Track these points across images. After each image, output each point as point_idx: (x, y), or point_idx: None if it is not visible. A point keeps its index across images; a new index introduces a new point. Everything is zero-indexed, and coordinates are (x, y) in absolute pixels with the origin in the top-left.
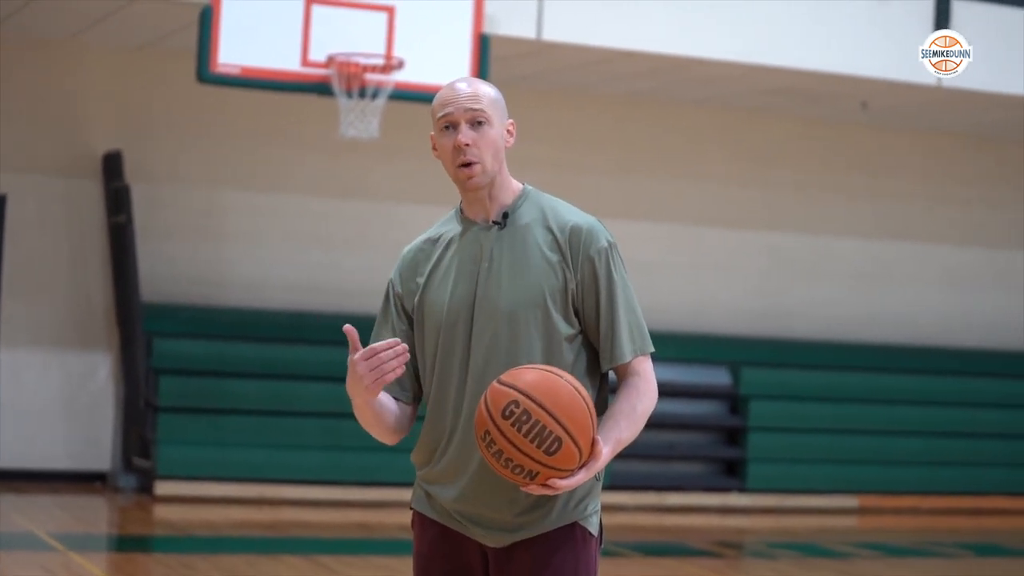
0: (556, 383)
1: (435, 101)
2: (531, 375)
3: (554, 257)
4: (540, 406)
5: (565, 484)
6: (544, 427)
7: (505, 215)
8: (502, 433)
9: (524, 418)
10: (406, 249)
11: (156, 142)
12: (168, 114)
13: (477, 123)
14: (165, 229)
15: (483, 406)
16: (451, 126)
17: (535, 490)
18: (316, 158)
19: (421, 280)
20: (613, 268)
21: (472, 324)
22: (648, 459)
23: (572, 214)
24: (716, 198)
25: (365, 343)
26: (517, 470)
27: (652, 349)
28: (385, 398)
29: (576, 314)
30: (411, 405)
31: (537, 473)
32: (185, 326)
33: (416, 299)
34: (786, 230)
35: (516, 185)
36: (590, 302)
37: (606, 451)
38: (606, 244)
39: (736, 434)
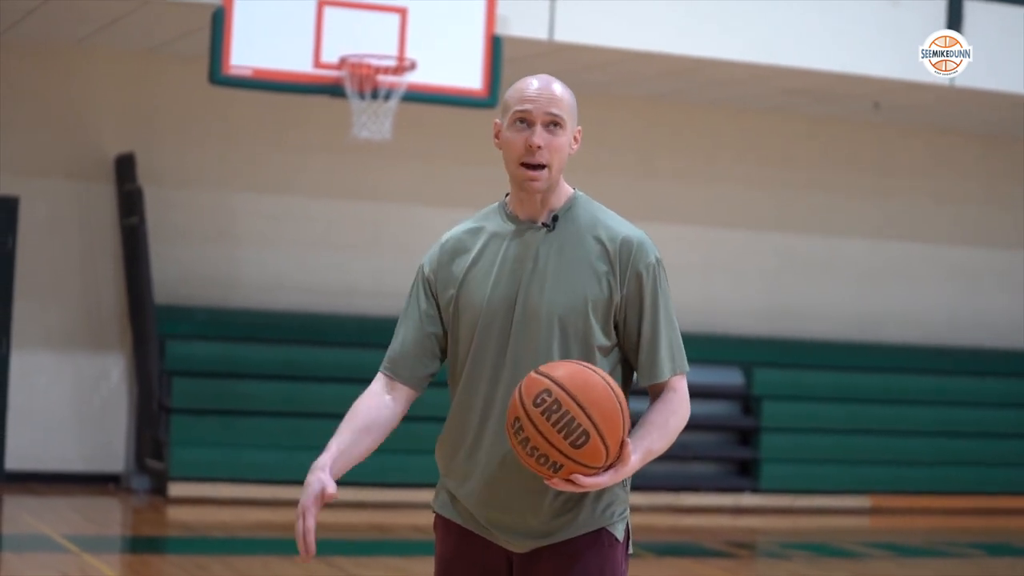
0: (591, 378)
1: (513, 92)
2: (567, 367)
3: (602, 267)
4: (572, 398)
5: (590, 482)
6: (573, 419)
7: (555, 218)
8: (532, 421)
9: (554, 408)
10: (446, 237)
11: (168, 145)
12: (180, 117)
13: (553, 125)
14: (177, 231)
15: (517, 394)
16: (526, 122)
17: (559, 484)
18: (328, 160)
19: (459, 273)
20: (659, 285)
21: (511, 325)
22: (661, 460)
23: (623, 226)
24: (729, 199)
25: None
26: (542, 460)
27: (688, 368)
28: (355, 450)
29: (616, 327)
30: (411, 388)
31: (562, 466)
32: (197, 328)
33: (453, 292)
34: (798, 230)
35: (567, 189)
36: (633, 317)
37: (635, 458)
38: (654, 260)
39: (749, 434)
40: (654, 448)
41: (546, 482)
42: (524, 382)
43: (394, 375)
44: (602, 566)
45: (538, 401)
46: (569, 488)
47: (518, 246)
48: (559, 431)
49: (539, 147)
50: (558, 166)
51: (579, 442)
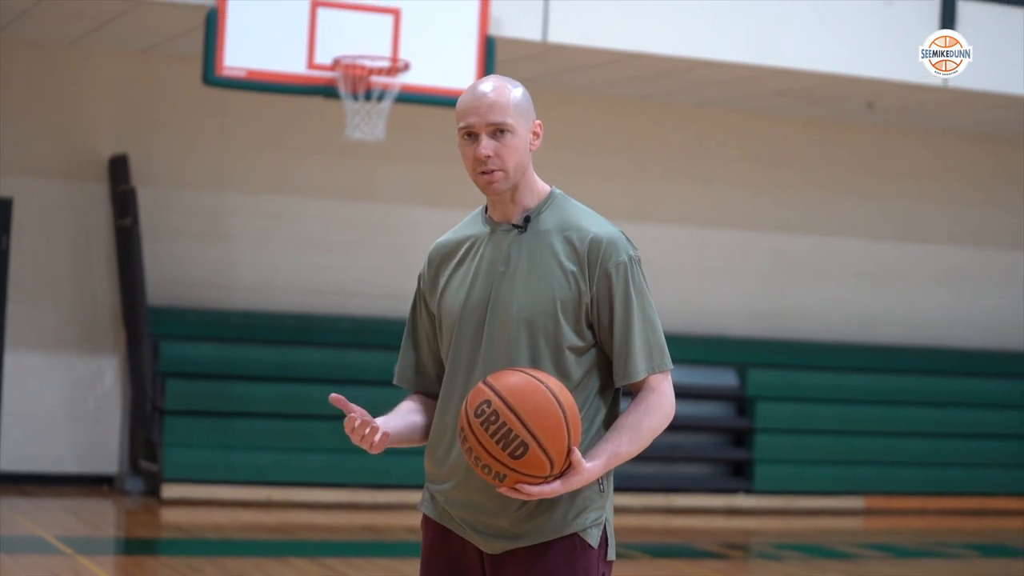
0: (533, 388)
1: (458, 105)
2: (512, 378)
3: (571, 267)
4: (510, 409)
5: (537, 491)
6: (511, 430)
7: (527, 219)
8: (473, 432)
9: (493, 419)
10: (433, 246)
11: (162, 145)
12: (174, 117)
13: (498, 132)
14: (171, 232)
15: (464, 404)
16: (472, 135)
17: (508, 493)
18: (321, 161)
19: (442, 279)
20: (631, 283)
21: (484, 327)
22: (655, 460)
23: (595, 224)
24: (722, 199)
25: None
26: (486, 470)
27: (670, 367)
28: (403, 421)
29: (590, 327)
30: (433, 397)
31: (505, 475)
32: (191, 329)
33: (436, 298)
34: (792, 231)
35: (542, 188)
36: (605, 317)
37: (592, 464)
38: (625, 258)
39: (743, 435)
40: (620, 452)
41: (499, 490)
42: (471, 392)
43: (426, 394)
44: (572, 570)
45: (479, 412)
46: (519, 496)
47: (492, 249)
48: (497, 442)
49: (488, 156)
50: (515, 166)
51: (517, 453)
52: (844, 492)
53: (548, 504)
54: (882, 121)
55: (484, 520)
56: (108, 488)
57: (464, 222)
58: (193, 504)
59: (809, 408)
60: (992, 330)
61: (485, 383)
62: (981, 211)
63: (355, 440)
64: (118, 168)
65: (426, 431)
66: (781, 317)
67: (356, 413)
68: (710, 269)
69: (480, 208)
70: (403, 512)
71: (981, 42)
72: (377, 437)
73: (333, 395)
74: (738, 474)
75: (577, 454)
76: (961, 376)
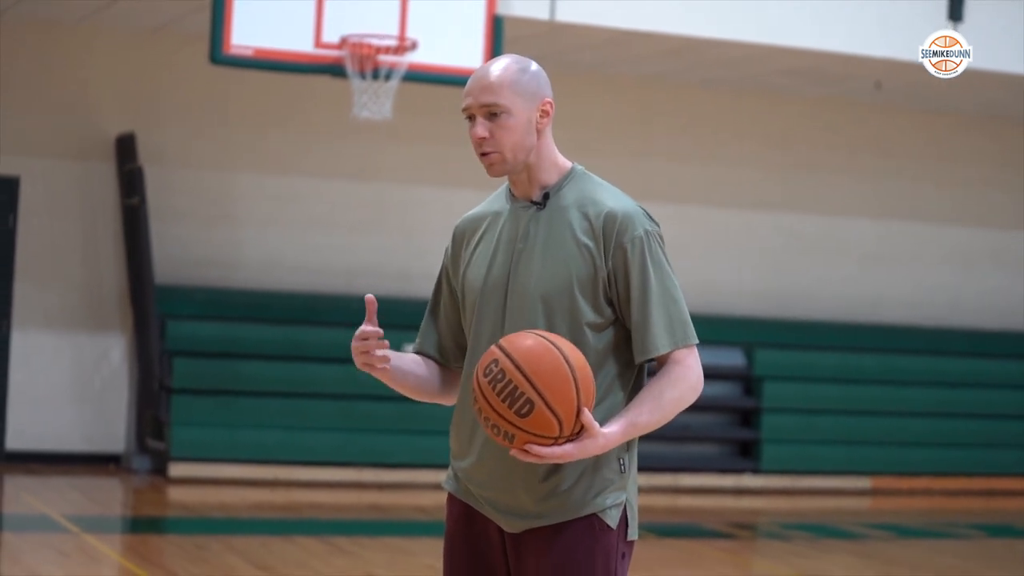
0: (542, 348)
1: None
2: (524, 339)
3: (587, 243)
4: (516, 367)
5: (547, 452)
6: (516, 388)
7: (546, 196)
8: (482, 392)
9: (499, 377)
10: (458, 221)
11: (169, 125)
12: (181, 96)
13: (493, 114)
14: (178, 211)
15: (476, 366)
16: (470, 118)
17: (519, 455)
18: (328, 140)
19: (465, 255)
20: (648, 257)
21: (505, 303)
22: (662, 440)
23: (612, 199)
24: (729, 179)
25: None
26: (495, 429)
27: (694, 341)
28: (407, 364)
29: (610, 303)
30: (447, 367)
31: (514, 436)
32: (198, 308)
33: (460, 273)
34: (799, 211)
35: (564, 164)
36: (623, 293)
37: (609, 431)
38: (642, 232)
39: (750, 415)
40: (640, 421)
41: (511, 453)
42: (483, 355)
43: (446, 363)
44: (591, 550)
45: (487, 371)
46: (530, 459)
47: (512, 225)
48: (503, 400)
49: (483, 138)
50: (512, 147)
51: (523, 411)
52: (851, 472)
53: (567, 484)
54: (888, 101)
55: (504, 499)
56: (115, 467)
57: (490, 198)
58: (200, 483)
59: (816, 388)
60: (998, 310)
61: (497, 345)
62: (988, 191)
63: (356, 349)
64: (125, 147)
65: (421, 389)
66: (788, 297)
67: (375, 331)
68: (717, 249)
69: (505, 184)
70: (409, 491)
71: (989, 22)
72: (378, 361)
73: (369, 296)
74: (745, 454)
75: (587, 415)
76: (968, 356)
